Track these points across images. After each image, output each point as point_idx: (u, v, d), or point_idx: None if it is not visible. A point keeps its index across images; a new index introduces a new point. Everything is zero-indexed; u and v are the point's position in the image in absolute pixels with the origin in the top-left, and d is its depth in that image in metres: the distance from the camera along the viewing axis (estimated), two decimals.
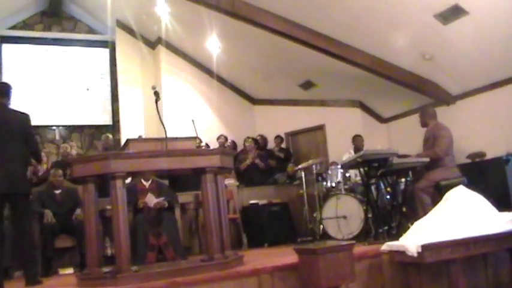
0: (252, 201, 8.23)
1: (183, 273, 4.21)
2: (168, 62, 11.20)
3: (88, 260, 4.48)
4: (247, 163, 9.35)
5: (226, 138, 10.24)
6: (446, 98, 8.52)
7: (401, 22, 7.42)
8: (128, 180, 5.91)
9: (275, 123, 11.21)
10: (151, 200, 5.96)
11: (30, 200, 5.36)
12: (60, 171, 6.84)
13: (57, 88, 11.45)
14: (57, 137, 11.39)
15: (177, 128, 8.59)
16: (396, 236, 5.02)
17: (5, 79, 10.74)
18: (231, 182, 8.34)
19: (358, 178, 6.86)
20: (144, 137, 8.63)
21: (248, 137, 10.06)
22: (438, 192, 5.78)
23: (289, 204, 8.48)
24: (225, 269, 4.33)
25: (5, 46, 11.27)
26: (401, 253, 4.30)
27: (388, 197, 6.40)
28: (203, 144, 9.31)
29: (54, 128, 11.41)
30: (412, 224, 4.97)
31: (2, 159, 4.87)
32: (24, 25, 11.67)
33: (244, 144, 10.07)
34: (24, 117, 5.17)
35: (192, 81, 11.33)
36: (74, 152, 8.93)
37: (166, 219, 6.04)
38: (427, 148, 6.27)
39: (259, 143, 10.30)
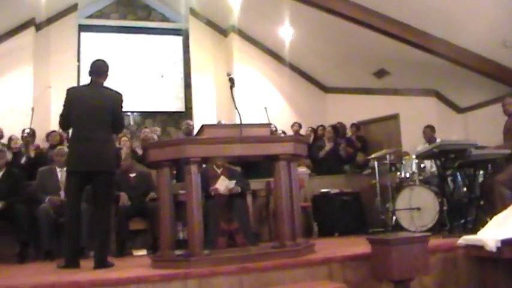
0: (323, 190, 8.16)
1: (254, 259, 4.24)
2: (240, 50, 11.28)
3: (161, 243, 4.59)
4: (326, 150, 9.23)
5: (300, 126, 10.17)
6: None
7: (481, 7, 7.14)
8: None
9: (347, 112, 11.03)
10: (223, 185, 6.01)
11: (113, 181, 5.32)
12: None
13: (132, 75, 11.78)
14: (132, 123, 11.73)
15: (248, 115, 8.64)
16: (472, 231, 4.88)
17: (82, 67, 11.16)
18: (302, 170, 8.29)
19: (434, 169, 6.67)
20: (223, 122, 8.57)
21: (322, 125, 10.03)
22: None
23: (361, 194, 8.35)
24: (296, 257, 4.32)
25: (83, 34, 11.68)
26: (479, 248, 4.16)
27: (465, 189, 6.19)
28: (280, 132, 9.30)
29: (128, 114, 11.74)
30: (490, 218, 4.81)
31: (92, 138, 4.86)
32: (101, 14, 12.09)
33: (317, 132, 10.01)
34: (117, 96, 5.13)
35: (264, 68, 11.36)
36: (155, 137, 8.75)
37: (238, 206, 6.07)
38: (508, 140, 6.00)
39: (339, 130, 10.18)
